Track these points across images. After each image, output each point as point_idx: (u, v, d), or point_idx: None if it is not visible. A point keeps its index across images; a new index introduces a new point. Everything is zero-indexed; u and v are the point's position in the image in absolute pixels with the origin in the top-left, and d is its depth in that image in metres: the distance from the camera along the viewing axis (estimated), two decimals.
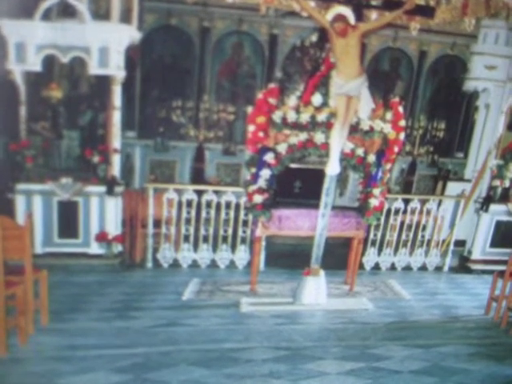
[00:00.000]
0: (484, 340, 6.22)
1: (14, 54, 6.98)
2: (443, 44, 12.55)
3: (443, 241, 8.86)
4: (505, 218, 8.76)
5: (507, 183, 8.70)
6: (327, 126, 6.39)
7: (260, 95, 6.43)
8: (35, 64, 7.05)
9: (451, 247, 8.79)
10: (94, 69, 7.22)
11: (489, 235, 8.81)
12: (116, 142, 7.61)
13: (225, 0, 8.25)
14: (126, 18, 7.65)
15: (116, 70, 7.30)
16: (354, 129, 6.50)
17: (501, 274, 6.84)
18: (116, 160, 7.63)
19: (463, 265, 8.90)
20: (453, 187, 9.93)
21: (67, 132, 7.51)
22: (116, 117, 7.53)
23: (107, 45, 7.18)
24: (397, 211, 8.38)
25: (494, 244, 8.82)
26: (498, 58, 9.43)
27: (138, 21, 8.09)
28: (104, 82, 7.38)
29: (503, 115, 8.82)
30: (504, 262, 6.90)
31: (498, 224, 8.79)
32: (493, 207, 8.69)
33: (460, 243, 8.99)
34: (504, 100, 8.93)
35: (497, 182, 8.68)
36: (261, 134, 6.43)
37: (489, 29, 9.42)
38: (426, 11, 7.51)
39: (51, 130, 7.43)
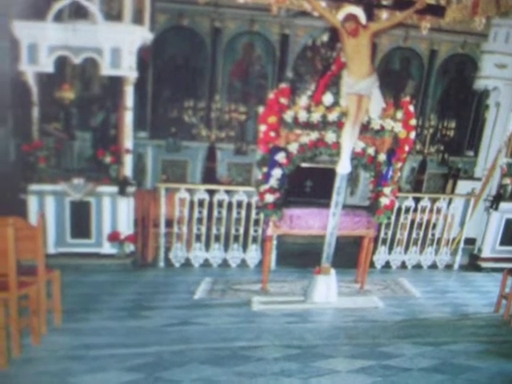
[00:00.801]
0: (494, 338, 6.21)
1: (27, 55, 7.02)
2: (454, 43, 12.59)
3: (453, 239, 8.89)
4: None
5: None
6: (338, 125, 6.42)
7: (271, 95, 6.46)
8: (47, 65, 7.10)
9: (461, 245, 8.79)
10: (106, 70, 7.26)
11: (499, 233, 8.78)
12: (128, 142, 7.65)
13: (236, 0, 8.26)
14: (137, 18, 7.72)
15: (128, 70, 7.34)
16: (365, 128, 6.53)
17: (510, 271, 6.83)
18: (128, 160, 7.68)
19: (473, 263, 8.91)
20: (463, 186, 9.96)
21: (79, 133, 7.59)
22: (128, 117, 7.58)
23: (119, 45, 7.21)
24: (407, 210, 8.40)
25: (503, 242, 8.80)
26: (508, 56, 9.52)
27: (150, 21, 8.12)
28: (116, 83, 7.43)
29: None
30: None
31: (508, 222, 8.77)
32: (503, 205, 8.68)
33: (470, 241, 8.98)
34: None
35: (507, 181, 8.67)
36: (272, 134, 6.46)
37: (499, 27, 9.50)
38: (437, 10, 7.48)
39: (64, 130, 7.51)
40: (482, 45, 10.04)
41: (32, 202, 7.32)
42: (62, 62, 7.22)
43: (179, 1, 10.49)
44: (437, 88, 12.98)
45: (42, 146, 7.31)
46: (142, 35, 7.59)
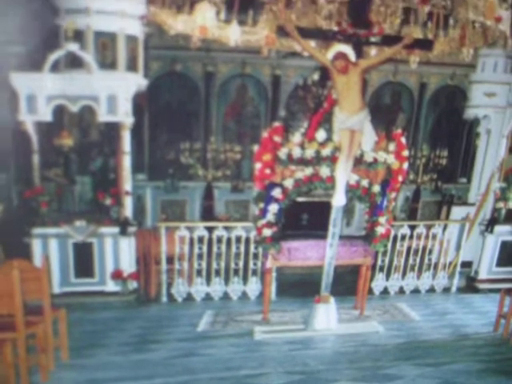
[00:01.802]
0: (494, 356, 6.30)
1: (25, 105, 7.18)
2: (443, 75, 12.82)
3: (450, 263, 9.00)
4: (510, 238, 8.89)
5: (511, 204, 8.81)
6: (332, 159, 6.53)
7: (265, 134, 6.60)
8: (46, 114, 7.26)
9: (458, 269, 8.91)
10: (102, 116, 7.42)
11: (495, 255, 8.91)
12: (127, 184, 7.82)
13: (227, 44, 8.32)
14: (132, 66, 8.01)
15: (124, 116, 7.51)
16: (359, 161, 6.64)
17: (508, 291, 6.94)
18: (128, 202, 7.85)
19: (470, 285, 9.01)
20: (457, 211, 10.07)
21: (79, 177, 7.79)
22: (126, 161, 7.76)
23: (115, 93, 7.38)
24: (403, 237, 8.55)
25: (500, 263, 8.92)
26: (497, 85, 9.72)
27: (144, 68, 8.41)
28: (113, 129, 7.61)
29: (505, 139, 8.97)
30: (511, 281, 7.06)
31: (504, 244, 8.91)
32: (498, 228, 8.82)
33: (466, 264, 9.10)
34: (505, 125, 9.08)
35: (501, 204, 8.80)
36: (267, 171, 6.59)
37: (487, 57, 9.76)
38: (425, 44, 7.65)
39: (64, 176, 7.72)
40: (471, 75, 10.26)
41: (36, 245, 7.47)
42: (59, 111, 7.40)
43: (172, 47, 10.56)
44: (428, 119, 13.21)
45: (44, 192, 7.48)
46: (137, 82, 7.84)
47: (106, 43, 7.83)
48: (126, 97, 7.50)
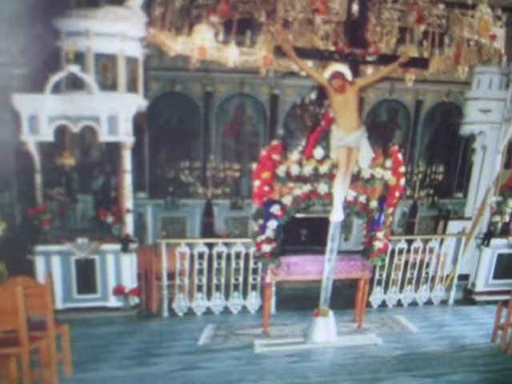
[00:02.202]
0: (492, 366, 6.37)
1: (28, 126, 7.30)
2: (438, 92, 12.94)
3: (447, 276, 9.08)
4: (506, 251, 8.97)
5: (507, 218, 8.92)
6: (330, 176, 6.62)
7: (263, 152, 6.68)
8: (48, 134, 7.37)
9: (455, 281, 8.98)
10: (103, 136, 7.55)
11: (491, 268, 8.99)
12: (128, 202, 7.93)
13: (226, 65, 8.42)
14: (132, 87, 8.08)
15: (125, 136, 7.64)
16: (356, 178, 6.73)
17: (505, 303, 6.98)
18: (129, 219, 7.95)
19: (468, 297, 9.09)
20: (454, 226, 10.11)
21: (81, 196, 7.86)
22: (127, 180, 7.88)
23: (115, 113, 7.51)
24: (400, 251, 8.64)
25: (496, 276, 9.00)
26: (492, 101, 9.81)
27: (144, 89, 8.48)
28: (114, 148, 7.72)
29: (500, 155, 9.04)
30: (507, 292, 7.07)
31: (500, 257, 9.00)
32: (494, 241, 8.92)
33: (463, 277, 9.16)
34: (500, 140, 9.15)
35: (497, 218, 8.90)
36: (266, 188, 6.67)
37: (482, 75, 9.85)
38: (420, 63, 7.75)
39: (66, 194, 7.79)
40: (466, 92, 10.35)
41: (39, 262, 7.57)
42: (61, 131, 7.52)
43: (171, 68, 10.76)
44: (424, 136, 13.33)
45: (46, 210, 7.58)
46: (137, 102, 7.95)
47: (106, 65, 7.89)
48: (126, 117, 7.63)
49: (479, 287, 9.01)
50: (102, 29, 7.69)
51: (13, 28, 8.29)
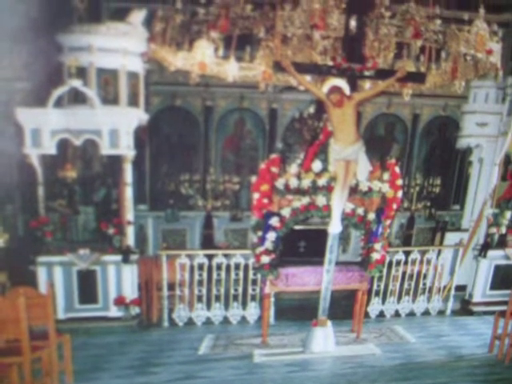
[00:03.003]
0: (489, 376, 6.41)
1: (30, 139, 7.43)
2: (435, 106, 12.93)
3: (444, 287, 9.14)
4: (503, 262, 9.04)
5: (503, 230, 8.98)
6: (328, 189, 6.72)
7: (263, 165, 6.82)
8: (50, 148, 7.50)
9: (452, 292, 9.05)
10: (105, 149, 7.68)
11: (488, 279, 9.05)
12: (129, 214, 8.03)
13: (226, 79, 8.50)
14: (133, 101, 8.21)
15: (126, 149, 7.76)
16: (354, 190, 6.83)
17: (502, 313, 7.01)
18: (130, 231, 8.05)
19: (465, 307, 9.15)
20: (451, 237, 10.21)
21: (83, 208, 7.95)
22: (128, 192, 7.99)
23: (117, 127, 7.64)
24: (398, 262, 8.70)
25: (493, 287, 9.04)
26: (489, 115, 9.94)
27: (145, 103, 8.59)
28: (115, 161, 7.84)
29: (497, 167, 9.10)
30: (505, 303, 7.08)
31: (497, 268, 9.06)
32: (491, 253, 8.98)
33: (461, 288, 9.23)
34: (497, 153, 9.24)
35: (493, 230, 8.96)
36: (265, 201, 6.78)
37: (478, 89, 10.00)
38: (417, 77, 7.87)
39: (68, 206, 7.87)
40: (463, 106, 10.47)
41: (41, 273, 7.64)
42: (63, 144, 7.63)
43: (172, 83, 10.81)
44: (421, 149, 13.32)
45: (48, 222, 7.68)
46: (138, 116, 8.07)
47: (108, 79, 8.03)
48: (127, 131, 7.75)
49: (476, 298, 9.07)
50: (103, 44, 7.84)
51: (16, 43, 8.40)
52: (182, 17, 8.01)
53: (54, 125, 7.47)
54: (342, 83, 6.47)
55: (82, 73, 7.74)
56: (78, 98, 7.74)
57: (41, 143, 7.50)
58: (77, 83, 7.55)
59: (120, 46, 7.92)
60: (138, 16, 8.11)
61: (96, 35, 7.78)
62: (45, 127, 7.46)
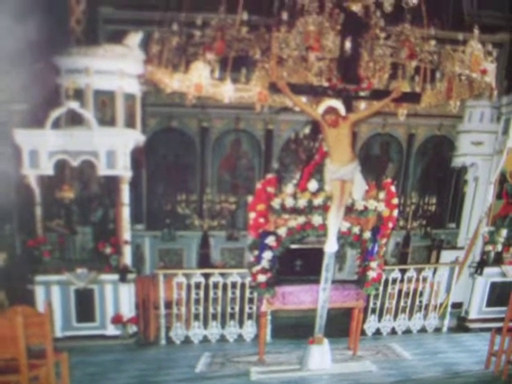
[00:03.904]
0: None
1: (28, 160, 7.51)
2: (430, 126, 12.98)
3: (440, 304, 9.14)
4: (499, 280, 9.06)
5: (499, 247, 9.04)
6: (324, 208, 6.74)
7: (259, 185, 6.86)
8: (48, 168, 7.58)
9: (449, 309, 9.06)
10: (102, 170, 7.77)
11: (484, 296, 9.07)
12: (126, 234, 8.11)
13: (222, 101, 8.54)
14: (130, 122, 8.32)
15: (123, 170, 7.85)
16: (350, 209, 6.87)
17: (498, 330, 7.03)
18: (127, 250, 8.12)
19: (461, 324, 9.17)
20: (447, 255, 10.22)
21: (81, 227, 8.03)
22: (125, 212, 8.06)
23: (114, 148, 7.73)
24: (394, 280, 8.72)
25: (490, 304, 9.06)
26: (484, 134, 10.01)
27: (142, 125, 8.73)
28: (113, 182, 7.94)
29: (492, 186, 9.18)
30: (501, 320, 7.10)
31: (493, 285, 9.09)
32: (487, 270, 9.02)
33: (457, 305, 9.26)
34: (492, 172, 9.31)
35: (489, 247, 9.02)
36: (261, 220, 6.82)
37: (473, 108, 10.07)
38: (413, 97, 7.93)
39: (66, 226, 7.95)
40: (458, 125, 10.54)
41: (39, 292, 7.68)
42: (61, 165, 7.70)
43: (168, 104, 10.87)
44: (416, 168, 13.36)
45: (46, 241, 7.76)
46: (135, 137, 8.17)
47: (105, 101, 8.15)
48: (124, 152, 7.83)
49: (473, 315, 9.09)
50: (101, 66, 7.97)
51: (14, 65, 8.50)
52: (178, 39, 8.11)
53: (52, 146, 7.56)
54: (337, 104, 6.53)
55: (79, 94, 7.84)
56: (75, 120, 7.83)
57: (38, 164, 7.57)
58: (74, 105, 7.65)
59: (117, 68, 8.04)
60: (134, 38, 8.23)
61: (93, 57, 7.91)
62: (42, 148, 7.54)
